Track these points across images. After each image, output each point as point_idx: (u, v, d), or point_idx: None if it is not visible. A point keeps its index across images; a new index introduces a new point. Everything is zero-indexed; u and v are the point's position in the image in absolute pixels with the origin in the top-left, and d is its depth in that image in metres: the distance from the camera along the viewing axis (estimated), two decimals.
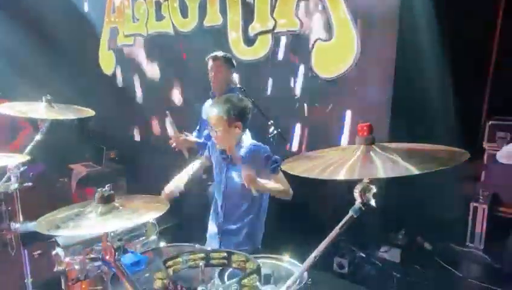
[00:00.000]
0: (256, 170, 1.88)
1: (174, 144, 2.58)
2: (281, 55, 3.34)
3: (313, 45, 3.13)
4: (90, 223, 1.12)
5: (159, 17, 4.20)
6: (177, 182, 2.10)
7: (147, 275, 1.43)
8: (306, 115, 3.29)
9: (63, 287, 1.45)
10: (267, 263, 1.42)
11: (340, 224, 1.04)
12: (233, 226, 1.99)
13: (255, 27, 3.43)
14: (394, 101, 2.84)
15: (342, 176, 0.97)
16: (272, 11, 3.29)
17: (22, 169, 1.95)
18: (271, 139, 2.49)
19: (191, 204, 2.85)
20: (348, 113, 3.04)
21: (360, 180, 1.00)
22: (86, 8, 4.87)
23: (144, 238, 1.66)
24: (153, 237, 1.69)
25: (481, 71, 3.46)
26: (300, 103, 3.30)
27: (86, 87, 4.57)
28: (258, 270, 1.21)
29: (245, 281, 1.15)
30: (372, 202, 1.00)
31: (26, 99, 2.16)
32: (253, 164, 1.88)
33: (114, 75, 4.87)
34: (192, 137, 2.75)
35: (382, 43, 2.82)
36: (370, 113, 2.89)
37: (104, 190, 1.19)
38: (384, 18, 2.79)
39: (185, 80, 4.12)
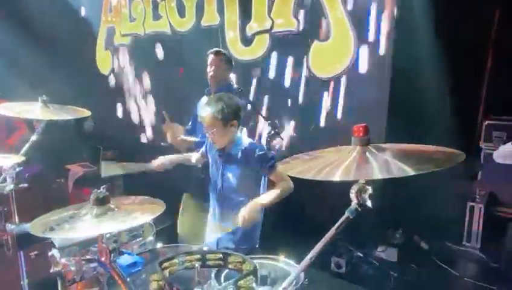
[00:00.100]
0: (253, 167, 1.89)
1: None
2: (278, 55, 3.34)
3: (310, 45, 3.13)
4: (85, 225, 1.11)
5: (156, 17, 4.18)
6: (170, 157, 2.17)
7: (144, 276, 1.43)
8: (303, 115, 3.29)
9: (59, 288, 1.44)
10: (263, 263, 1.42)
11: (337, 225, 1.04)
12: (230, 225, 1.98)
13: (252, 27, 3.42)
14: (391, 101, 2.84)
15: (337, 177, 0.97)
16: (270, 11, 3.29)
17: (17, 170, 1.94)
18: (268, 139, 2.49)
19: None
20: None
21: (356, 181, 1.00)
22: (82, 7, 4.84)
23: (140, 239, 1.66)
24: (150, 238, 1.69)
25: (478, 71, 3.47)
26: (298, 102, 3.29)
27: (82, 87, 4.55)
28: (254, 272, 1.20)
29: (241, 282, 1.15)
30: (368, 203, 1.00)
31: (23, 100, 2.15)
32: (249, 162, 1.89)
33: (111, 74, 4.85)
34: (190, 137, 2.74)
35: (379, 43, 2.83)
36: (367, 114, 2.89)
37: (99, 191, 1.18)
38: (382, 18, 2.79)
39: (182, 79, 4.11)
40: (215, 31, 3.64)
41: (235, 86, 2.69)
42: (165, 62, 4.25)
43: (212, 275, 1.28)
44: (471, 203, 3.27)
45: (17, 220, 1.94)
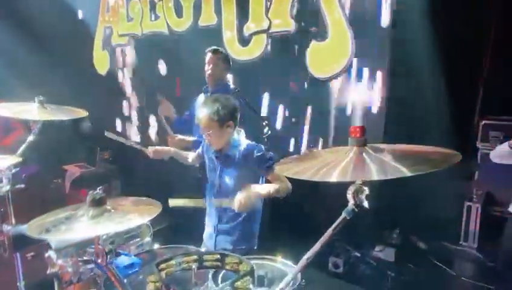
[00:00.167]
0: (251, 168, 1.89)
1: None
2: (275, 55, 3.34)
3: (308, 45, 3.13)
4: (81, 226, 1.11)
5: (154, 17, 4.18)
6: (169, 149, 2.25)
7: (141, 277, 1.42)
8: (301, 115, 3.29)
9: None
10: (260, 264, 1.42)
11: (334, 225, 1.04)
12: (228, 226, 1.98)
13: (249, 27, 3.42)
14: (388, 102, 2.84)
15: (334, 178, 0.97)
16: (267, 11, 3.29)
17: (14, 171, 1.94)
18: (265, 139, 2.49)
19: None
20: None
21: (353, 182, 1.00)
22: (79, 7, 4.82)
23: (138, 240, 1.65)
24: (147, 239, 1.68)
25: (474, 71, 3.48)
26: (295, 102, 3.30)
27: (79, 87, 4.54)
28: (251, 272, 1.20)
29: (238, 283, 1.15)
30: (365, 204, 1.01)
31: (19, 100, 2.14)
32: (248, 163, 1.89)
33: (108, 74, 4.84)
34: (188, 137, 2.74)
35: (376, 43, 2.83)
36: (364, 114, 2.89)
37: (95, 193, 1.18)
38: (378, 20, 2.79)
39: (180, 80, 4.10)
40: (212, 30, 3.64)
41: (232, 86, 2.69)
42: (164, 62, 4.25)
43: (210, 276, 1.28)
44: (468, 203, 3.28)
45: (13, 221, 1.94)
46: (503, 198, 3.28)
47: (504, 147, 2.34)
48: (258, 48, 3.40)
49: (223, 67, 2.68)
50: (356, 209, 1.01)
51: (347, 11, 2.90)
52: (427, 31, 2.79)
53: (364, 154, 1.05)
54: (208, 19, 3.69)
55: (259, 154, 1.88)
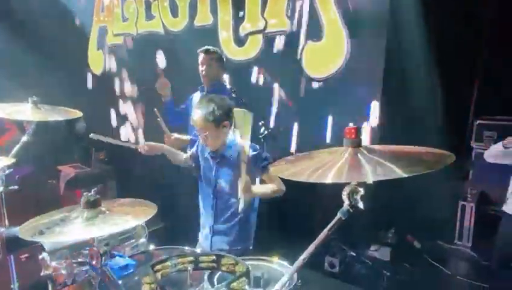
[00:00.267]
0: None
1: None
2: (271, 55, 3.33)
3: (304, 45, 3.13)
4: (75, 228, 1.10)
5: (149, 17, 4.15)
6: (162, 146, 2.21)
7: (136, 278, 1.42)
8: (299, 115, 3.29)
9: None
10: (256, 265, 1.42)
11: (329, 226, 1.05)
12: (224, 226, 1.98)
13: (245, 27, 3.42)
14: (383, 101, 2.85)
15: (330, 179, 0.97)
16: (263, 11, 3.29)
17: (7, 172, 1.92)
18: (262, 140, 2.48)
19: (181, 206, 2.84)
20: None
21: (348, 182, 1.00)
22: (74, 7, 4.79)
23: (133, 241, 1.64)
24: (142, 240, 1.67)
25: (469, 71, 3.51)
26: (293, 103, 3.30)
27: (74, 87, 4.51)
28: (247, 273, 1.20)
29: (234, 284, 1.14)
30: (360, 204, 1.01)
31: (13, 101, 2.12)
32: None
33: (103, 75, 4.81)
34: (184, 136, 2.73)
35: (371, 43, 2.84)
36: (360, 114, 2.90)
37: (89, 194, 1.17)
38: (373, 19, 2.80)
39: (176, 80, 4.09)
40: (208, 30, 3.63)
41: (228, 86, 2.69)
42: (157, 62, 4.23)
43: (205, 278, 1.28)
44: (463, 203, 3.31)
45: (7, 222, 1.92)
46: (497, 197, 3.31)
47: (498, 146, 2.36)
48: (254, 48, 3.39)
49: (216, 66, 2.67)
50: (351, 210, 1.01)
51: (342, 11, 2.90)
52: (422, 31, 2.80)
53: (359, 155, 1.05)
54: (203, 18, 3.68)
55: (255, 153, 1.88)
